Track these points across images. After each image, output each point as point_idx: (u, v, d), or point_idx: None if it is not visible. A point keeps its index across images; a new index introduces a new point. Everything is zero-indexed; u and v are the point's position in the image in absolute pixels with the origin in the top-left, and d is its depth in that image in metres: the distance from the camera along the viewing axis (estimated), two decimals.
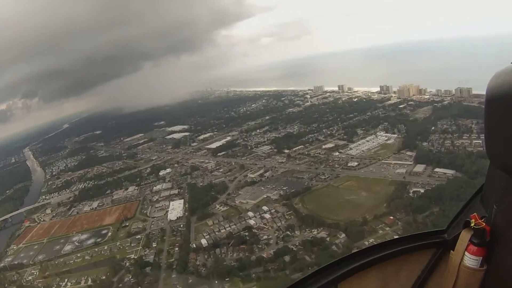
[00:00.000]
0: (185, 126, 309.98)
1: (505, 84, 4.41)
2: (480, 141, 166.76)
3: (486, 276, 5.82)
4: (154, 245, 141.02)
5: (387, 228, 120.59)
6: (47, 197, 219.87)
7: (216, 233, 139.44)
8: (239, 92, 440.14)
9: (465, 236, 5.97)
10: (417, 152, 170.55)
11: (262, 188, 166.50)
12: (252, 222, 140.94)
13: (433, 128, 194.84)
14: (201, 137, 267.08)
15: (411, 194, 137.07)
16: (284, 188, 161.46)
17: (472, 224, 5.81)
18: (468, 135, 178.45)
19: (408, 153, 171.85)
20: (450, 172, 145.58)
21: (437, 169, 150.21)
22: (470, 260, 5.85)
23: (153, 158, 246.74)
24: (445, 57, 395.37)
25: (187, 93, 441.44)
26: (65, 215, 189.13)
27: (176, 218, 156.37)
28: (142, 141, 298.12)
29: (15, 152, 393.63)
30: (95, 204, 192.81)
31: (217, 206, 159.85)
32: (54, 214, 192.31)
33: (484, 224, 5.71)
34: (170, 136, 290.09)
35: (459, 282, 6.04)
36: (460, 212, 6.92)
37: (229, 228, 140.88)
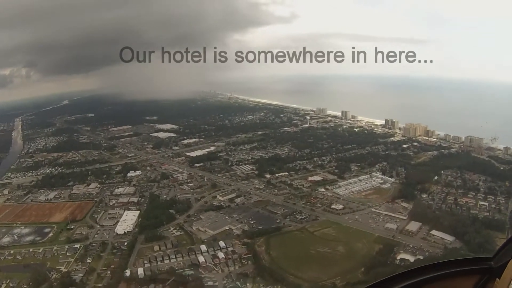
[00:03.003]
0: (175, 126, 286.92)
1: None
2: (487, 204, 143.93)
3: None
4: (88, 260, 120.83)
5: None
6: (12, 176, 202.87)
7: (159, 263, 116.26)
8: (241, 100, 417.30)
9: None
10: (413, 205, 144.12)
11: (227, 217, 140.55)
12: (201, 259, 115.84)
13: (436, 178, 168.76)
14: (186, 141, 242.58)
15: (397, 261, 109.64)
16: (252, 222, 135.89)
17: None
18: (473, 193, 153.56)
19: (403, 204, 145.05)
20: (448, 238, 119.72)
21: (434, 232, 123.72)
22: None
23: (130, 155, 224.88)
24: (467, 100, 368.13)
25: (190, 91, 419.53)
26: (19, 200, 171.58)
27: (123, 232, 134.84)
28: (127, 133, 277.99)
29: (6, 120, 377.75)
30: (52, 195, 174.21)
31: (171, 229, 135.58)
32: (10, 197, 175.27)
33: None
34: (156, 134, 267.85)
35: None
36: (509, 241, 7.19)
37: (175, 260, 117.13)
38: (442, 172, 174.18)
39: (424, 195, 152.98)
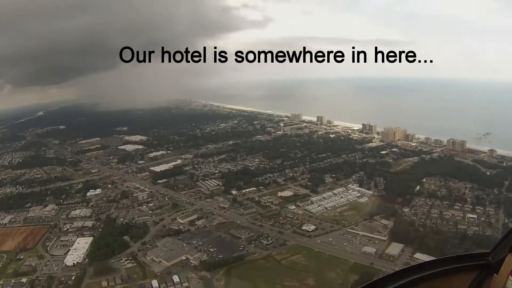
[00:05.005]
0: (144, 138, 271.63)
1: None
2: (475, 216, 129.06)
3: None
4: None
5: None
6: None
7: None
8: (216, 107, 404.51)
9: (510, 260, 6.21)
10: (394, 222, 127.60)
11: (184, 244, 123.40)
12: None
13: (418, 187, 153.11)
14: (152, 154, 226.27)
15: None
16: (212, 249, 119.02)
17: None
18: (460, 204, 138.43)
19: (383, 221, 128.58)
20: None
21: (418, 255, 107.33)
22: None
23: (93, 171, 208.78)
24: (450, 100, 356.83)
25: (166, 100, 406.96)
26: None
27: (73, 264, 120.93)
28: (95, 147, 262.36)
29: None
30: (7, 218, 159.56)
31: (123, 260, 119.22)
32: None
33: None
34: (123, 147, 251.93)
35: None
36: (506, 235, 6.94)
37: None
38: (424, 180, 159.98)
39: (405, 209, 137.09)
